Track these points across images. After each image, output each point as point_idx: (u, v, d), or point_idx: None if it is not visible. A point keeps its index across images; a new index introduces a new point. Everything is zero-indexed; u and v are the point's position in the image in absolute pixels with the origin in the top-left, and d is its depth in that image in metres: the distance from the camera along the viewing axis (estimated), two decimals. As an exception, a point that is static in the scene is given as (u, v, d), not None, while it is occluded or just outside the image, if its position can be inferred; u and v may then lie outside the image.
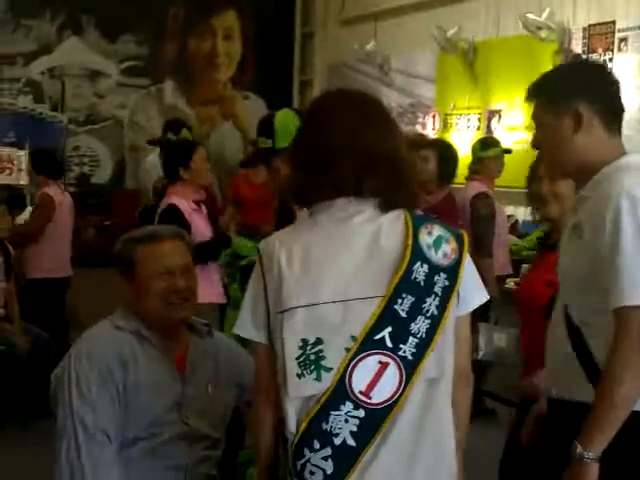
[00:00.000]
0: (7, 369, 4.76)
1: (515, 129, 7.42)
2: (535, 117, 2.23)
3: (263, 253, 1.82)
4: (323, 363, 1.71)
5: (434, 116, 8.58)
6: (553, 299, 2.76)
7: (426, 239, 1.76)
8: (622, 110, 2.20)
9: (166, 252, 2.36)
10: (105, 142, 10.62)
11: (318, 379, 1.71)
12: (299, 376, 1.71)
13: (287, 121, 2.93)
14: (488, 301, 1.92)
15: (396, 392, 1.70)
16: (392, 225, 1.77)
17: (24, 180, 7.82)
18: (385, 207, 1.79)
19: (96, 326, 2.39)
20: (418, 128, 8.62)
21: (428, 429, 1.74)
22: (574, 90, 2.14)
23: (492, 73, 7.84)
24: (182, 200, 4.31)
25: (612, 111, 2.17)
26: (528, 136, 7.04)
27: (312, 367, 1.71)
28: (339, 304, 1.72)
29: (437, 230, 1.79)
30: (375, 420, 1.70)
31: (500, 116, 7.72)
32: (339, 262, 1.74)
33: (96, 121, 10.59)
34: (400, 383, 1.71)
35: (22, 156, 7.88)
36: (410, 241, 1.74)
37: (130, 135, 10.62)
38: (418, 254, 1.73)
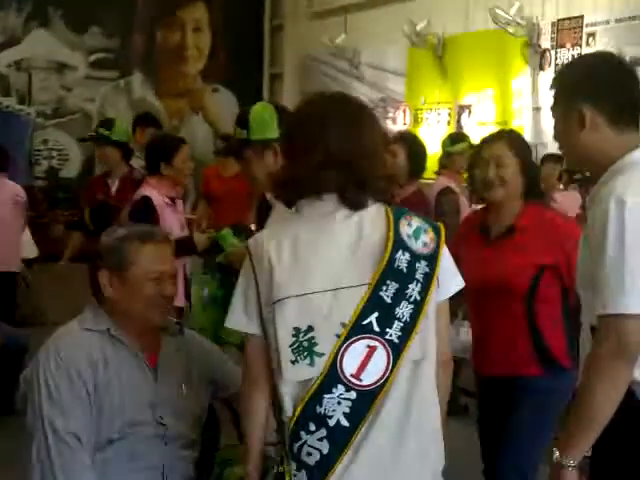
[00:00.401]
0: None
1: (485, 124, 7.45)
2: (551, 110, 2.22)
3: (252, 248, 1.92)
4: (315, 349, 1.80)
5: (404, 111, 8.60)
6: (535, 284, 2.81)
7: (406, 229, 1.87)
8: (637, 102, 2.13)
9: (161, 256, 2.33)
10: (74, 136, 10.50)
11: (311, 364, 1.81)
12: (293, 362, 1.82)
13: (263, 114, 2.92)
14: (457, 296, 1.96)
15: (384, 374, 1.81)
16: (374, 218, 1.88)
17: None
18: (359, 203, 1.88)
19: (64, 328, 2.34)
20: (388, 123, 8.64)
21: (415, 408, 1.84)
22: (578, 89, 2.11)
23: (462, 67, 7.87)
24: (155, 192, 4.25)
25: (620, 106, 2.11)
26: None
27: (305, 353, 1.81)
28: (328, 293, 1.82)
29: (416, 221, 1.90)
30: (366, 401, 1.80)
31: (470, 111, 7.75)
32: (326, 254, 1.85)
33: (64, 114, 10.47)
34: (388, 365, 1.81)
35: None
36: (392, 232, 1.84)
37: (99, 129, 10.52)
38: (400, 243, 1.84)
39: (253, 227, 3.13)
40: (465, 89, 7.84)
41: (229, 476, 2.33)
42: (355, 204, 1.88)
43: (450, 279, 1.95)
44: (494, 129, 7.18)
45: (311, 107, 2.00)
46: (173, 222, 4.27)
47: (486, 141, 3.05)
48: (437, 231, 1.92)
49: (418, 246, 1.86)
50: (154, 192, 4.24)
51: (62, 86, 10.50)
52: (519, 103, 7.28)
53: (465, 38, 7.85)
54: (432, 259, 1.87)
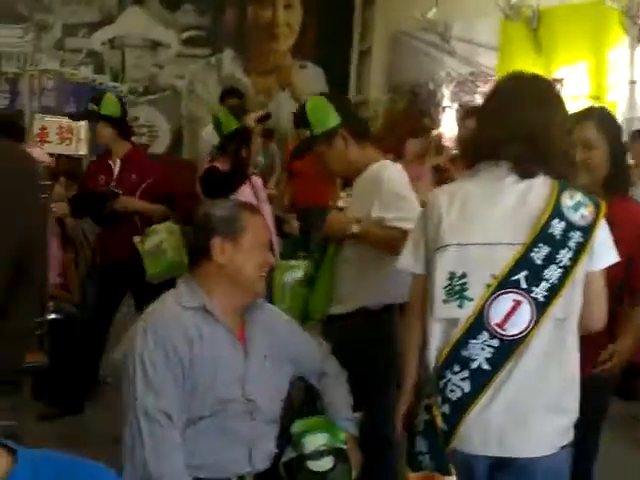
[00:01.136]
0: (64, 337, 4.79)
1: (578, 98, 7.20)
2: None
3: (429, 201, 2.21)
4: (466, 294, 2.03)
5: (495, 85, 8.39)
6: (626, 276, 2.64)
7: (567, 202, 2.04)
8: None
9: (265, 227, 2.43)
10: (163, 112, 10.67)
11: (460, 306, 2.04)
12: (445, 302, 2.06)
13: (318, 106, 2.94)
14: None
15: (527, 327, 1.99)
16: (539, 187, 2.07)
17: (83, 150, 7.87)
18: (529, 173, 2.08)
19: (160, 303, 2.33)
20: (477, 98, 8.45)
21: (555, 359, 2.03)
22: None
23: (556, 40, 7.62)
24: (224, 166, 4.26)
25: None
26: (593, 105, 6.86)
27: (456, 296, 2.04)
28: (485, 246, 2.05)
29: (578, 196, 2.07)
30: (507, 349, 2.00)
31: (563, 84, 7.51)
32: (490, 212, 2.07)
33: (155, 91, 10.64)
34: (531, 320, 1.99)
35: (82, 126, 7.93)
36: (552, 201, 2.03)
37: (189, 105, 10.65)
38: (557, 213, 2.02)
39: (341, 203, 3.10)
40: (559, 62, 7.59)
41: (307, 444, 2.33)
42: (526, 174, 2.07)
43: (605, 252, 2.08)
44: (587, 103, 6.99)
45: (505, 83, 2.24)
46: (246, 195, 4.25)
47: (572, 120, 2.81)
48: (598, 206, 2.07)
49: (575, 218, 2.02)
50: (224, 165, 4.24)
51: (154, 63, 10.66)
52: (614, 77, 7.00)
53: (561, 10, 7.59)
54: (587, 230, 2.03)
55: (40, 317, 3.63)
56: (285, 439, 2.40)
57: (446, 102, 9.08)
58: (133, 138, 10.01)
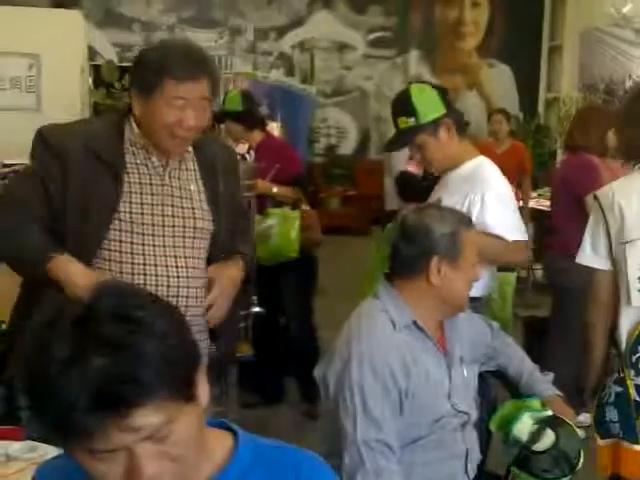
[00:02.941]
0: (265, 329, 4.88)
1: None
2: None
3: (601, 201, 2.35)
4: None
5: (697, 82, 7.94)
6: None
7: None
8: None
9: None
10: (351, 113, 10.86)
11: None
12: (639, 291, 2.23)
13: (424, 94, 2.78)
14: None
15: None
16: None
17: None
18: None
19: (371, 319, 2.22)
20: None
21: None
22: None
23: None
24: (415, 167, 4.36)
25: None
26: None
27: None
28: None
29: None
30: None
31: None
32: None
33: (342, 93, 10.85)
34: None
35: (274, 128, 8.21)
36: None
37: (375, 106, 10.78)
38: None
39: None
40: None
41: (520, 433, 2.25)
42: None
43: None
44: None
45: None
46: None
47: None
48: None
49: None
50: (415, 167, 4.33)
51: (342, 65, 10.87)
52: None
53: None
54: None
55: (246, 310, 3.80)
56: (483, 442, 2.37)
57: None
58: (322, 139, 10.24)
